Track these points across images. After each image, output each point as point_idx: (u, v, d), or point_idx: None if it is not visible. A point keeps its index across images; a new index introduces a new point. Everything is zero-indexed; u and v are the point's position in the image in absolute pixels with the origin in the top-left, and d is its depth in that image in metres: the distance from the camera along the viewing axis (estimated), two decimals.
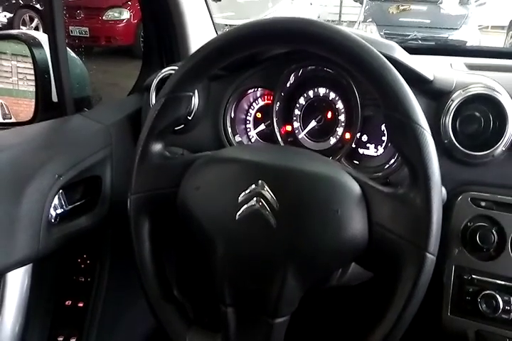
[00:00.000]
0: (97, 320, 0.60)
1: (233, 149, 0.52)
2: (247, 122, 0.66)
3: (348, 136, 0.58)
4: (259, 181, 0.39)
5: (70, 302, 0.59)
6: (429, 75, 0.53)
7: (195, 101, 0.60)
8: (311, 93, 0.61)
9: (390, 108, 0.37)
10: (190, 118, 0.61)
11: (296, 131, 0.62)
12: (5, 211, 0.45)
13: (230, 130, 0.62)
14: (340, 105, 0.60)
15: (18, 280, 0.47)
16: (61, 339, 0.59)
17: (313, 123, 0.62)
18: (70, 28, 4.07)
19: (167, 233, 0.46)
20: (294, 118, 0.62)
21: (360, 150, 0.59)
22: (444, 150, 0.51)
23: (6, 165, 0.47)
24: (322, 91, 0.61)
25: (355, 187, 0.39)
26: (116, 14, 4.27)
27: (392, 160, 0.56)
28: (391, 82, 0.36)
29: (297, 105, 0.62)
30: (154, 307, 0.43)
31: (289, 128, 0.62)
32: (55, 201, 0.49)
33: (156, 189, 0.43)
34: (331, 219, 0.38)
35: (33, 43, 0.60)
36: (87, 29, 4.18)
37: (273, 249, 0.39)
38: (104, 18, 4.28)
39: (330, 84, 0.60)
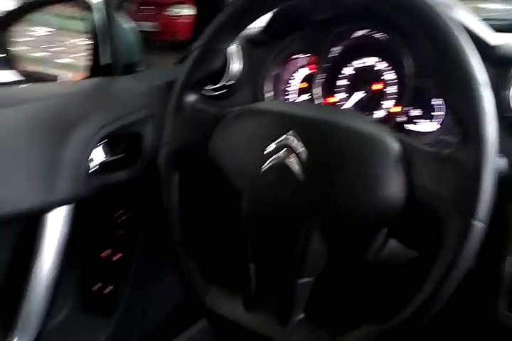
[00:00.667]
0: (132, 274, 0.62)
1: (269, 102, 0.50)
2: (290, 92, 0.64)
3: (395, 109, 0.55)
4: (290, 132, 0.37)
5: (107, 254, 0.62)
6: (492, 40, 0.49)
7: (238, 66, 0.60)
8: (358, 62, 0.58)
9: (449, 66, 0.34)
10: (231, 83, 0.61)
11: (340, 103, 0.60)
12: (48, 154, 0.48)
13: (271, 97, 0.61)
14: (389, 76, 0.56)
15: (57, 222, 0.49)
16: (96, 288, 0.62)
17: (358, 95, 0.58)
18: (138, 22, 4.29)
19: (195, 187, 0.46)
20: (339, 89, 0.60)
21: (408, 126, 0.55)
22: (504, 126, 0.47)
23: (53, 111, 0.50)
24: (371, 60, 0.58)
25: (396, 147, 0.37)
26: (178, 10, 4.45)
27: (442, 137, 0.52)
28: (455, 41, 0.34)
29: (343, 75, 0.59)
30: (180, 261, 0.44)
31: (332, 99, 0.60)
32: (97, 150, 0.52)
33: (188, 141, 0.44)
34: (364, 177, 0.36)
35: (86, 6, 0.64)
36: (153, 24, 4.39)
37: (298, 204, 0.37)
38: (168, 13, 4.47)
39: (380, 52, 0.57)
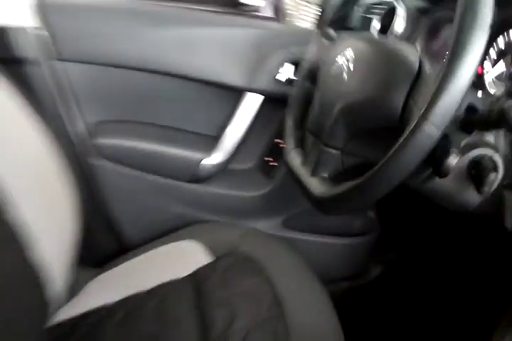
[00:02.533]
0: None
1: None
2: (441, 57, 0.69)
3: None
4: (350, 48, 0.55)
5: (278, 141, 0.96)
6: None
7: (400, 27, 0.75)
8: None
9: None
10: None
11: (486, 74, 0.61)
12: (255, 59, 0.83)
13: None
14: None
15: (251, 104, 0.86)
16: (266, 159, 0.97)
17: (500, 69, 0.60)
18: None
19: None
20: (488, 59, 0.62)
21: None
22: None
23: (271, 34, 0.85)
24: None
25: (415, 66, 0.46)
26: None
27: None
28: None
29: (495, 44, 0.61)
30: (285, 132, 0.69)
31: (478, 70, 0.60)
32: (285, 68, 0.83)
33: (313, 60, 0.67)
34: (382, 81, 0.47)
35: None
36: None
37: (338, 94, 0.54)
38: None
39: None
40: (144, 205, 0.92)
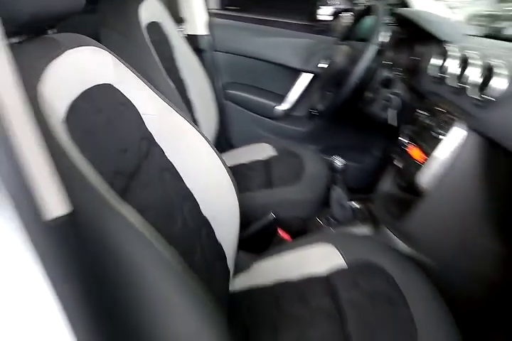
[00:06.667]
0: None
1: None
2: None
3: None
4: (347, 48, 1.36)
5: None
6: None
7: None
8: None
9: None
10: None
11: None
12: (304, 55, 1.66)
13: None
14: None
15: (305, 78, 1.68)
16: None
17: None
18: None
19: None
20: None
21: None
22: None
23: (314, 44, 1.66)
24: None
25: None
26: None
27: None
28: None
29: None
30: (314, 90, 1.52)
31: None
32: (322, 61, 1.64)
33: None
34: None
35: None
36: None
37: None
38: None
39: None
40: (242, 125, 1.84)
